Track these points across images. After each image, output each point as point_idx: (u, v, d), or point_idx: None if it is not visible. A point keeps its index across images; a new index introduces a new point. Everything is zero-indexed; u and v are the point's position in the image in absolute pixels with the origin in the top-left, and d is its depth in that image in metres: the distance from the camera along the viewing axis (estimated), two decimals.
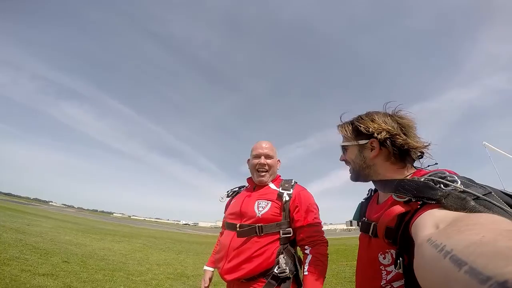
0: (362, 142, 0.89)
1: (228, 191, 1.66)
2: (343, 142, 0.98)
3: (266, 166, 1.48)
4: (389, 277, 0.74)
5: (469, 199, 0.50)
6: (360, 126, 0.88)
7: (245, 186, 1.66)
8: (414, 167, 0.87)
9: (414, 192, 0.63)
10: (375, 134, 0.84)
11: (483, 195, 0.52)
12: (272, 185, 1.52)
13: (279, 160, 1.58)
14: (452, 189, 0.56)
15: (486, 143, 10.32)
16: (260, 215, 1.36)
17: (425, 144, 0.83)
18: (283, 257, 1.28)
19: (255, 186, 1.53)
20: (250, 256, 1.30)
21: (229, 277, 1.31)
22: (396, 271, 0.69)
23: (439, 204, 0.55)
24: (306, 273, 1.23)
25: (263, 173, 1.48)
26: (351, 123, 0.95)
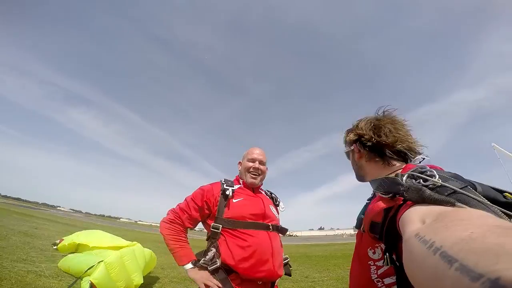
0: (351, 148, 1.00)
1: (225, 187, 1.53)
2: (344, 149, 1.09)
3: (259, 170, 1.63)
4: (380, 271, 0.73)
5: (425, 189, 0.51)
6: (346, 136, 1.01)
7: (230, 181, 1.63)
8: (408, 162, 0.86)
9: (385, 188, 0.67)
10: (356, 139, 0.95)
11: (460, 188, 0.52)
12: (263, 192, 1.74)
13: (267, 168, 1.71)
14: (430, 184, 0.56)
15: (495, 145, 10.12)
16: (278, 217, 1.65)
17: (398, 140, 0.84)
18: None
19: (253, 188, 1.65)
20: (281, 251, 1.55)
21: (281, 272, 1.47)
22: (385, 266, 0.69)
23: (403, 197, 0.57)
24: None
25: (255, 176, 1.62)
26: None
